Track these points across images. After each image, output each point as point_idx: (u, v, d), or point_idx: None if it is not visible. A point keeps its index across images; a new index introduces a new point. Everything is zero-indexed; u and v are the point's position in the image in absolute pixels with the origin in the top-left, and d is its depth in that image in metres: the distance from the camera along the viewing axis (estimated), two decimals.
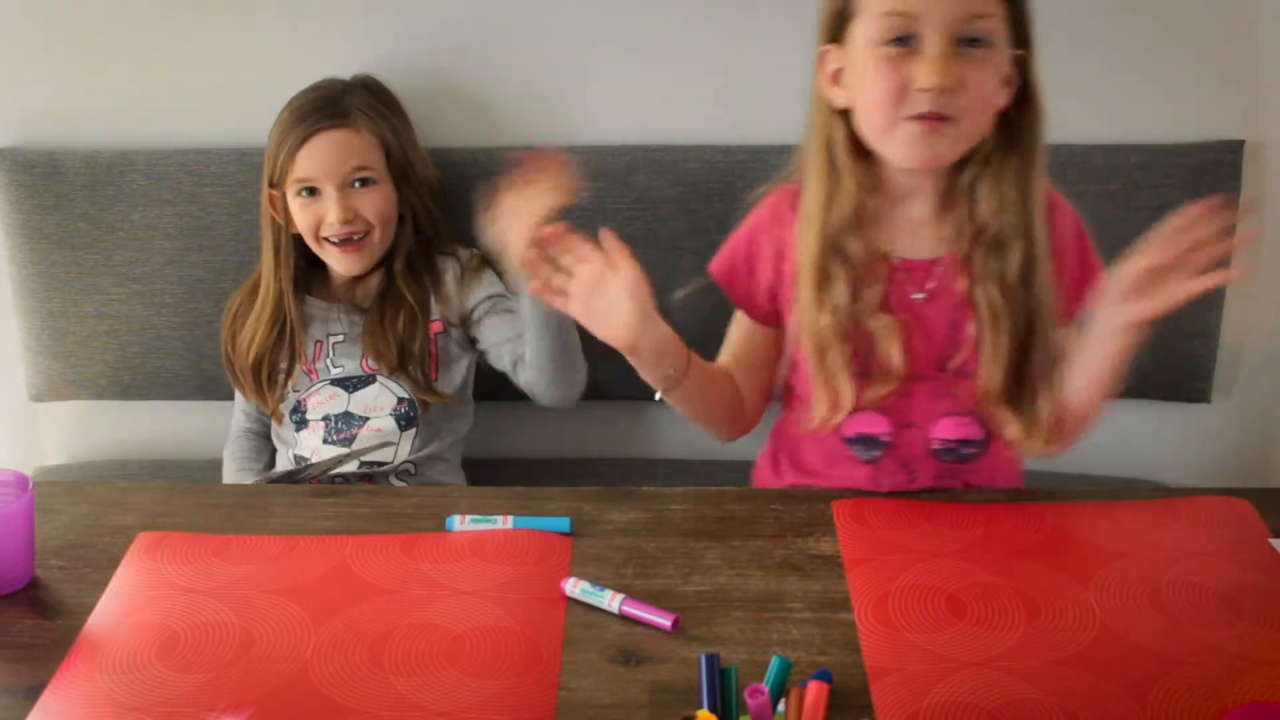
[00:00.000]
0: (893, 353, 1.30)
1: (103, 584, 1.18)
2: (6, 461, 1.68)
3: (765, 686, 0.96)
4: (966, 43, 1.21)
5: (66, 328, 1.87)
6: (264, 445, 1.80)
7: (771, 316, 1.41)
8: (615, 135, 1.81)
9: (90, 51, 1.81)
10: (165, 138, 1.83)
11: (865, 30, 1.24)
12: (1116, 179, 1.78)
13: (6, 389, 1.96)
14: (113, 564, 1.21)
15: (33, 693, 1.04)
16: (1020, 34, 1.26)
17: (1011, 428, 1.31)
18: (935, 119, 1.21)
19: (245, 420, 1.81)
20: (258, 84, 1.73)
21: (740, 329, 1.44)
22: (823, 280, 1.30)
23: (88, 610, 1.14)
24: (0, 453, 2.02)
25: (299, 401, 1.72)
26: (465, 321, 1.73)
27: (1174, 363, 1.85)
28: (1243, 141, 1.78)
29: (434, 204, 1.73)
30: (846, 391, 1.31)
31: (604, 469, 1.89)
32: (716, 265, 1.43)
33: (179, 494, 1.34)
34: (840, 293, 1.29)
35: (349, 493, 1.34)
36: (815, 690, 0.94)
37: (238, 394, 1.80)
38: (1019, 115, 1.28)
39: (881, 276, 1.31)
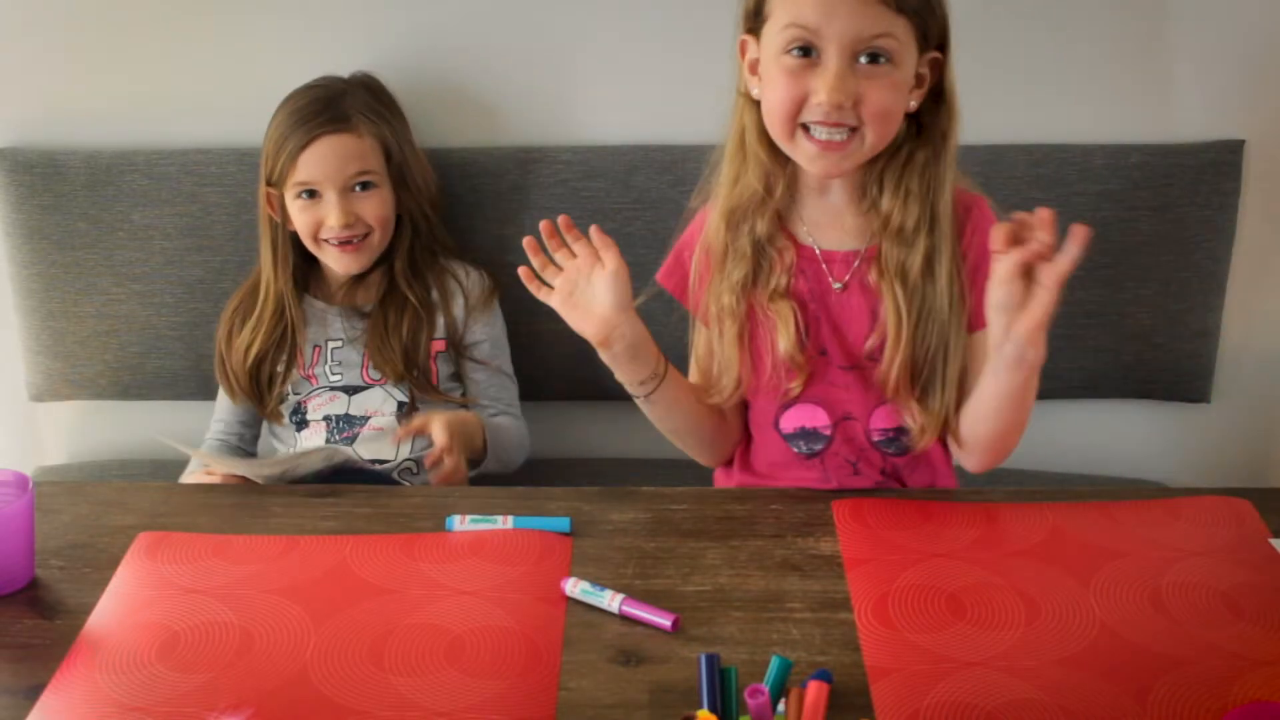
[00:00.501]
0: (782, 340, 1.33)
1: (103, 584, 1.18)
2: (6, 461, 1.68)
3: (765, 686, 0.96)
4: (869, 57, 1.23)
5: (66, 328, 1.87)
6: (236, 455, 1.77)
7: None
8: (615, 135, 1.81)
9: (90, 51, 1.81)
10: (165, 138, 1.83)
11: (772, 36, 1.26)
12: (1116, 179, 1.78)
13: (6, 389, 1.96)
14: (113, 564, 1.21)
15: (33, 693, 1.04)
16: (935, 39, 1.27)
17: (909, 419, 1.34)
18: (832, 146, 1.25)
19: (223, 429, 1.78)
20: (257, 84, 1.73)
21: (700, 339, 1.44)
22: (725, 257, 1.34)
23: (88, 610, 1.14)
24: (0, 453, 2.02)
25: (298, 403, 1.72)
26: (459, 348, 1.73)
27: (1174, 363, 1.86)
28: (1243, 141, 1.78)
29: (430, 208, 1.73)
30: (733, 368, 1.35)
31: (604, 469, 1.89)
32: (662, 272, 1.44)
33: (179, 494, 1.34)
34: (742, 271, 1.33)
35: (349, 493, 1.34)
36: (815, 690, 0.94)
37: (219, 402, 1.78)
38: (931, 113, 1.29)
39: (789, 263, 1.34)
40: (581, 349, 1.84)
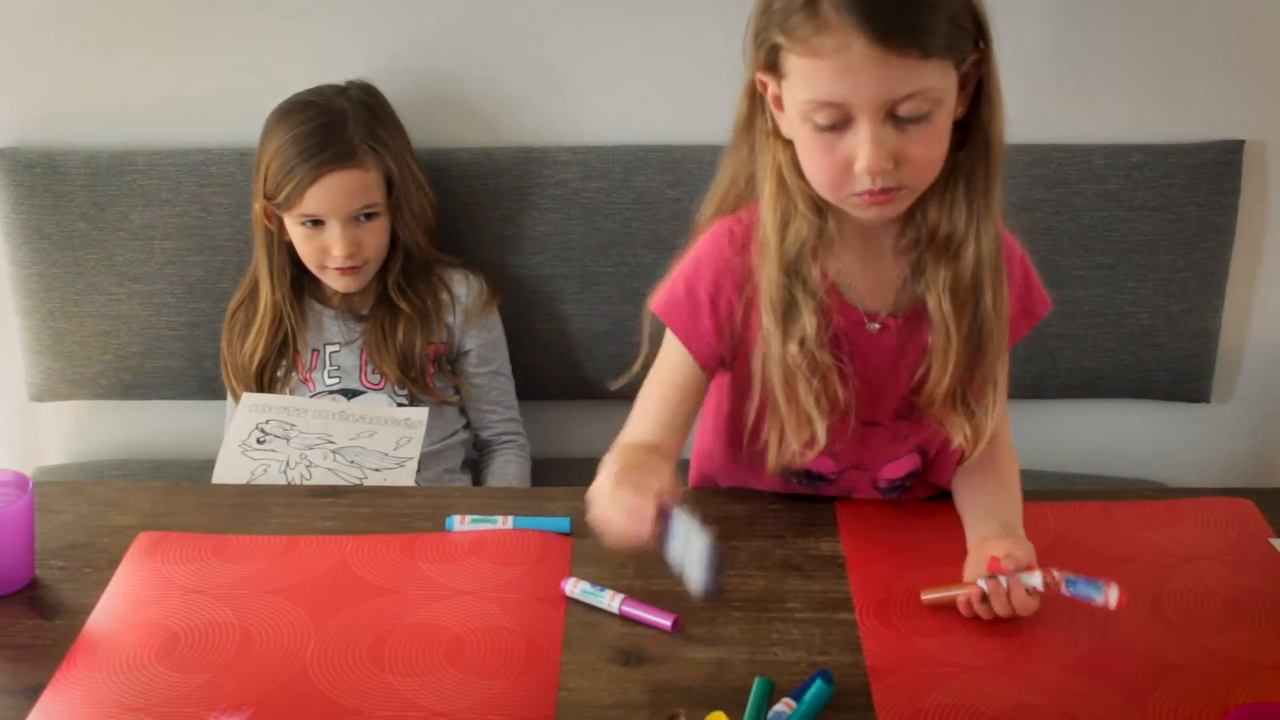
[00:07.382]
0: (836, 387, 1.23)
1: (103, 584, 1.18)
2: (6, 461, 1.68)
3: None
4: (905, 114, 1.11)
5: (66, 328, 1.87)
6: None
7: (715, 360, 1.28)
8: (615, 135, 1.81)
9: (90, 51, 1.81)
10: (165, 138, 1.83)
11: (793, 97, 1.14)
12: (1116, 179, 1.78)
13: (6, 389, 1.96)
14: (113, 564, 1.21)
15: (33, 693, 1.04)
16: (972, 44, 1.13)
17: (959, 434, 1.24)
18: (879, 197, 1.14)
19: None
20: (258, 84, 1.73)
21: (672, 381, 1.30)
22: (788, 309, 1.22)
23: (88, 610, 1.14)
24: (0, 453, 2.02)
25: None
26: (456, 355, 1.74)
27: (1174, 363, 1.86)
28: (1243, 141, 1.78)
29: (424, 236, 1.73)
30: (820, 427, 1.22)
31: None
32: (662, 303, 1.29)
33: (179, 494, 1.34)
34: (808, 322, 1.21)
35: (349, 493, 1.34)
36: None
37: (230, 405, 1.78)
38: (972, 115, 1.17)
39: (832, 307, 1.23)
40: (580, 349, 1.84)
